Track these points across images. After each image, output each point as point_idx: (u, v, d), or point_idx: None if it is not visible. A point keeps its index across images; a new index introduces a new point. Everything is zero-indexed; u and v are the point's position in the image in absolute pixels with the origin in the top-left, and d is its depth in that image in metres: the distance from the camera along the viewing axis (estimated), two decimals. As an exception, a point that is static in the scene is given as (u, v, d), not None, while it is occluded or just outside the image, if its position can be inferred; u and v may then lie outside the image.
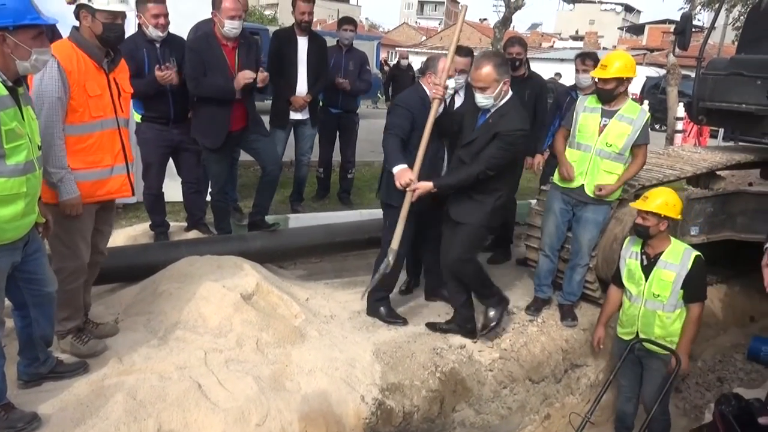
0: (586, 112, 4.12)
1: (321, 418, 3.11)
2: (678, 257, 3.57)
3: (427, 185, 3.55)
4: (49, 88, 2.78)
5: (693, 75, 6.23)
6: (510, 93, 3.59)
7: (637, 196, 4.72)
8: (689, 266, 3.53)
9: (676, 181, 5.09)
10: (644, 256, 3.66)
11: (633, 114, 4.02)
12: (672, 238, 3.68)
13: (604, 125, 4.03)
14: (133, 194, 3.39)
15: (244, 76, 4.17)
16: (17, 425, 2.56)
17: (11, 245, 2.47)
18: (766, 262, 3.06)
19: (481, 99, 3.53)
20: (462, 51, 4.16)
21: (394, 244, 3.67)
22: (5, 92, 2.33)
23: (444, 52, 3.89)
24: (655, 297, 3.59)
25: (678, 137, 11.16)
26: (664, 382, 3.58)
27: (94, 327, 3.39)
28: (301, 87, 5.38)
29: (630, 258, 3.74)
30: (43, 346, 2.89)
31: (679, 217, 3.59)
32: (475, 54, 4.81)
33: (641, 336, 3.70)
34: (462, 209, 3.70)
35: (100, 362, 3.11)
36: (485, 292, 3.91)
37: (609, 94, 3.98)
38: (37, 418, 2.63)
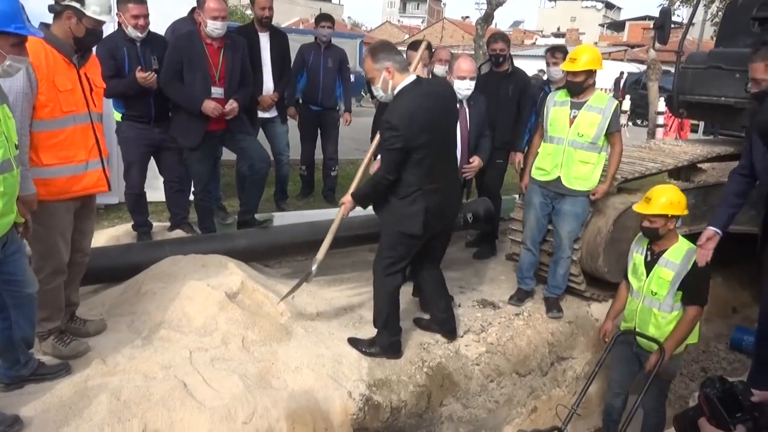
0: (556, 106, 4.20)
1: (308, 415, 3.10)
2: (679, 256, 3.44)
3: (349, 200, 3.53)
4: (15, 83, 2.72)
5: (673, 70, 6.29)
6: (405, 82, 3.27)
7: (619, 189, 4.80)
8: (689, 267, 3.41)
9: (658, 174, 5.15)
10: (649, 252, 3.58)
11: (601, 104, 4.09)
12: (680, 236, 3.57)
13: (574, 117, 4.10)
14: (110, 189, 3.37)
15: (210, 107, 4.15)
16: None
17: None
18: None
19: (375, 91, 3.40)
20: (415, 46, 4.21)
21: (320, 255, 3.70)
22: None
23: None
24: (653, 295, 3.50)
25: (659, 131, 11.31)
26: (660, 381, 3.54)
27: (81, 324, 3.36)
28: (267, 85, 5.34)
29: (637, 252, 3.67)
30: (24, 348, 2.84)
31: (685, 212, 3.49)
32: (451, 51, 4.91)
33: (637, 337, 3.62)
34: (381, 213, 3.52)
35: (83, 363, 3.06)
36: (379, 319, 3.59)
37: (579, 86, 4.06)
38: (18, 421, 2.58)
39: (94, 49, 3.30)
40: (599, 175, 4.20)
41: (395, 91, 3.29)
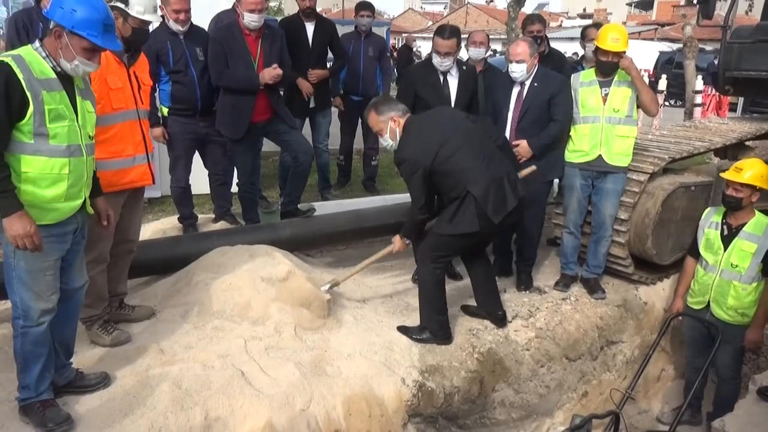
0: (584, 87, 4.19)
1: (363, 401, 3.12)
2: (761, 229, 3.61)
3: (398, 241, 3.78)
4: None
5: (708, 48, 6.12)
6: (407, 127, 3.52)
7: (667, 170, 4.70)
8: None
9: (706, 152, 5.02)
10: (725, 226, 3.71)
11: (628, 77, 4.08)
12: (756, 211, 3.70)
13: (606, 94, 4.11)
14: (154, 182, 3.47)
15: (270, 74, 4.19)
16: (47, 425, 2.55)
17: (61, 231, 2.50)
18: None
19: (382, 142, 3.64)
20: (444, 33, 4.16)
21: (342, 277, 3.92)
22: (53, 75, 2.39)
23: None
24: (733, 267, 3.64)
25: (697, 111, 11.01)
26: (735, 351, 3.73)
27: (129, 310, 3.46)
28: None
29: (709, 228, 3.80)
30: (61, 354, 2.75)
31: None
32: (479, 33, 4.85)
33: (713, 306, 3.76)
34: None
35: (142, 353, 3.13)
36: (425, 312, 3.66)
37: (613, 66, 4.04)
38: (69, 421, 2.59)
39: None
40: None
41: (398, 135, 3.52)
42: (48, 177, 2.40)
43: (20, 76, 2.28)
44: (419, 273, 3.73)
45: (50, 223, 2.45)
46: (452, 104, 4.25)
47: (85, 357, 3.06)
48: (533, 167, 3.95)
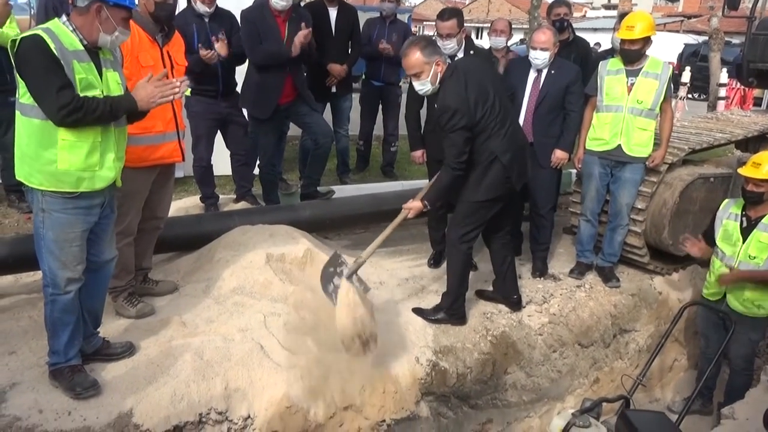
0: (610, 75, 4.18)
1: (378, 378, 3.19)
2: None
3: (418, 206, 3.40)
4: None
5: (735, 41, 6.05)
6: (450, 74, 3.34)
7: (685, 161, 4.69)
8: None
9: (727, 144, 5.00)
10: (745, 218, 3.71)
11: (657, 69, 4.07)
12: None
13: (632, 84, 4.09)
14: (184, 160, 3.53)
15: (301, 36, 4.26)
16: (76, 389, 2.66)
17: (88, 203, 2.58)
18: None
19: (418, 85, 3.41)
20: (444, 14, 4.12)
21: (366, 254, 3.44)
22: (81, 47, 2.48)
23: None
24: (751, 259, 3.64)
25: (720, 104, 10.88)
26: (750, 342, 3.76)
27: (153, 284, 3.57)
28: (337, 60, 5.40)
29: (728, 219, 3.79)
30: (89, 322, 2.87)
31: None
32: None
33: (729, 297, 3.78)
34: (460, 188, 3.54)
35: (165, 325, 3.23)
36: (453, 289, 3.65)
37: (638, 53, 4.04)
38: (96, 386, 2.70)
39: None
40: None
41: (439, 80, 3.35)
42: (83, 145, 2.48)
43: (52, 46, 2.36)
44: (449, 255, 3.69)
45: (84, 191, 2.54)
46: None
47: (111, 327, 3.17)
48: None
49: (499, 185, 3.43)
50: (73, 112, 2.37)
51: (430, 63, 3.30)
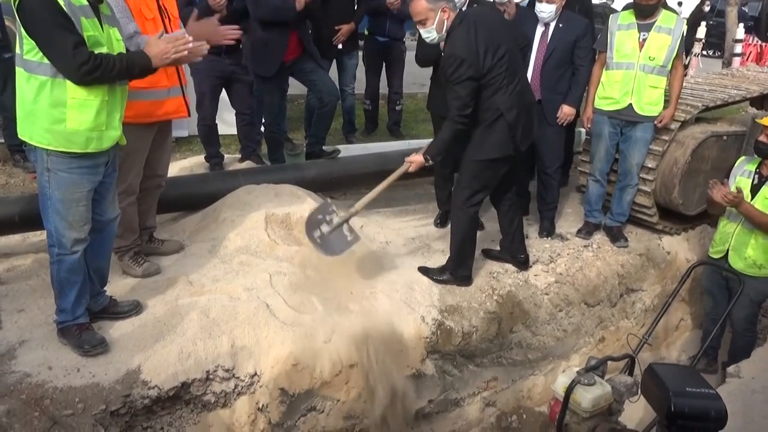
0: (621, 30, 4.03)
1: (384, 337, 3.21)
2: None
3: (419, 159, 3.33)
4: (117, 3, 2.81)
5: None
6: (459, 22, 3.22)
7: (698, 119, 4.59)
8: None
9: (742, 101, 4.88)
10: (757, 176, 3.66)
11: (671, 23, 3.93)
12: None
13: (644, 39, 3.95)
14: (189, 115, 3.47)
15: None
16: (84, 347, 2.68)
17: (94, 162, 2.55)
18: None
19: (425, 33, 3.30)
20: None
21: (360, 204, 3.43)
22: (86, 2, 2.42)
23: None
24: None
25: (736, 61, 10.61)
26: (751, 303, 3.73)
27: (159, 244, 3.57)
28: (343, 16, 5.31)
29: (741, 176, 3.74)
30: (95, 281, 2.88)
31: None
32: None
33: (731, 254, 3.73)
34: (461, 146, 3.44)
35: (171, 284, 3.24)
36: (458, 252, 3.62)
37: (653, 8, 3.90)
38: (103, 344, 2.72)
39: None
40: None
41: (446, 28, 3.25)
42: (92, 104, 2.44)
43: (61, 2, 2.30)
44: (454, 218, 3.62)
45: (92, 151, 2.51)
46: None
47: (118, 286, 3.18)
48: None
49: (503, 144, 3.35)
50: (93, 70, 2.33)
51: (435, 9, 3.20)
